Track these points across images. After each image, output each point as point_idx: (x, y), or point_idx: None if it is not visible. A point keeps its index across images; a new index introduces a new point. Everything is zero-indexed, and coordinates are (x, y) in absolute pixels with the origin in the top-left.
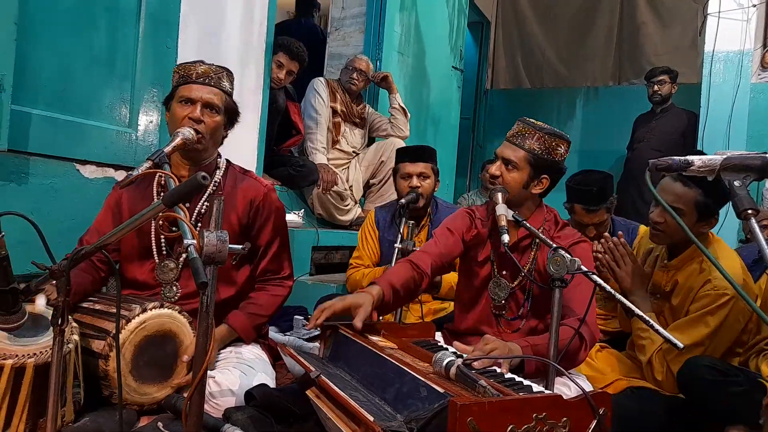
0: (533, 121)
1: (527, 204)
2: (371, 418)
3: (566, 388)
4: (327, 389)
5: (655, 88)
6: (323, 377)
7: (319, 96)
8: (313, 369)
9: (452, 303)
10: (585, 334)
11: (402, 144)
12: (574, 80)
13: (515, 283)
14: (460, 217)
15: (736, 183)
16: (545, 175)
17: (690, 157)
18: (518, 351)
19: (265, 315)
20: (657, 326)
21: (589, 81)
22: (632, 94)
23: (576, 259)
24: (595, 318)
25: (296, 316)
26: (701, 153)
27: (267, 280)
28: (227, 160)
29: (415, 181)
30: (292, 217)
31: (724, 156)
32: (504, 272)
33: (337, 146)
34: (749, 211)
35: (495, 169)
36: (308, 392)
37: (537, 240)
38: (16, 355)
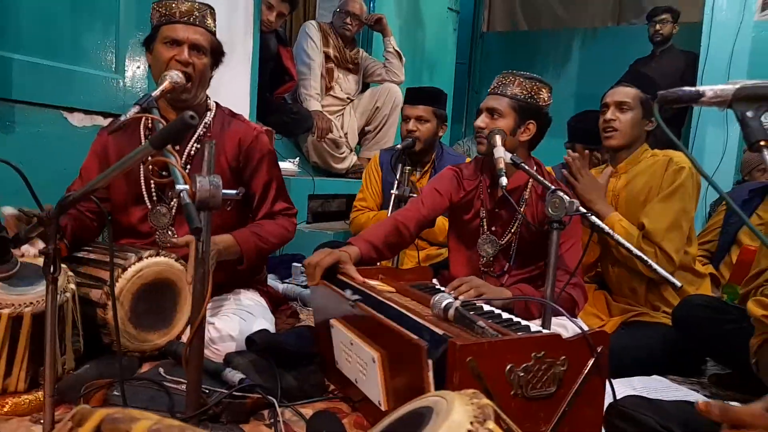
0: (513, 71)
1: (517, 153)
2: (414, 336)
3: (563, 329)
4: (366, 312)
5: (657, 27)
6: (360, 303)
7: (312, 41)
8: (348, 297)
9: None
10: (578, 293)
11: (397, 89)
12: (573, 21)
13: (504, 240)
14: (448, 177)
15: (749, 113)
16: (531, 121)
17: (701, 88)
18: (508, 294)
19: (270, 242)
20: (655, 265)
21: (589, 22)
22: (632, 34)
23: (575, 200)
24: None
25: (294, 264)
26: None
27: (274, 215)
28: (216, 103)
29: (411, 125)
30: (287, 165)
31: (737, 86)
32: (493, 228)
33: (331, 93)
34: (762, 143)
35: (480, 121)
36: (333, 321)
37: (525, 195)
38: (13, 305)
